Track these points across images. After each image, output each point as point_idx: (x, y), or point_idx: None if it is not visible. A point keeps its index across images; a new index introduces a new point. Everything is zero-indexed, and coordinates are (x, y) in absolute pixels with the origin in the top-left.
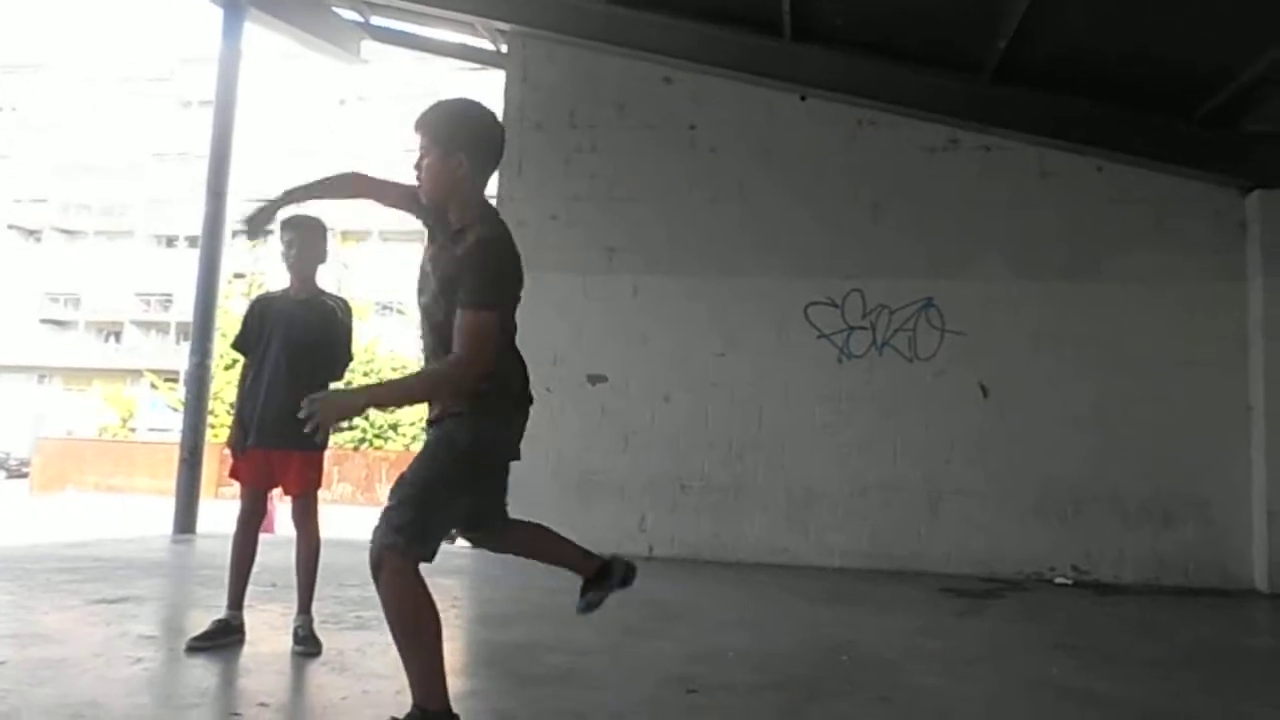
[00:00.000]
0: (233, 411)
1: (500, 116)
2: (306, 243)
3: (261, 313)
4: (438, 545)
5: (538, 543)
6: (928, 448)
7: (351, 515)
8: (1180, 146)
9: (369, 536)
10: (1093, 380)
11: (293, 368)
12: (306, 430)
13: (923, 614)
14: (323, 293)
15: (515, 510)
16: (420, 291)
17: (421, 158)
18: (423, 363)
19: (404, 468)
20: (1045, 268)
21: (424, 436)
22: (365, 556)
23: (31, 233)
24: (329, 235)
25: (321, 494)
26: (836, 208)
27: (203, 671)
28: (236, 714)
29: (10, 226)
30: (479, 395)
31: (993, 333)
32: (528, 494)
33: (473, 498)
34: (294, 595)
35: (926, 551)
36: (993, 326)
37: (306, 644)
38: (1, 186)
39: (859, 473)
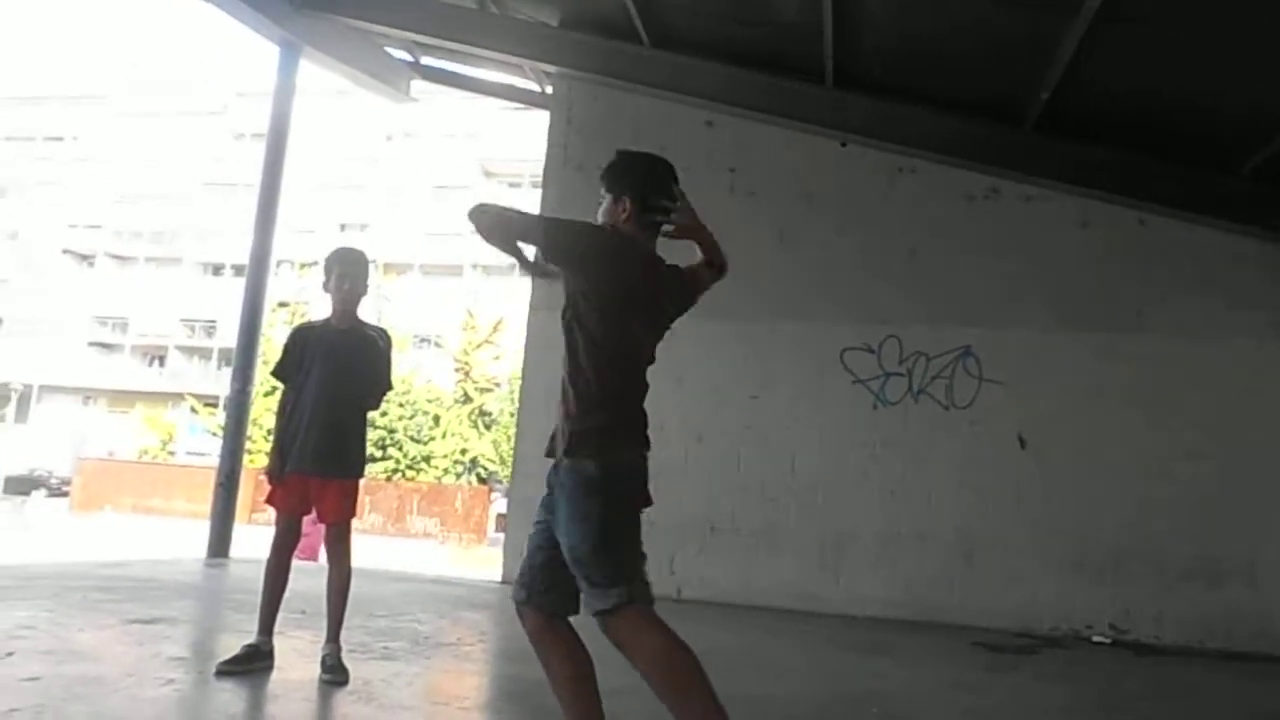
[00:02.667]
0: (272, 438)
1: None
2: (350, 275)
3: (303, 342)
4: (646, 581)
5: (573, 678)
6: (963, 497)
7: (382, 546)
8: (1227, 201)
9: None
10: (1134, 434)
11: (332, 396)
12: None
13: (955, 667)
14: (363, 323)
15: None
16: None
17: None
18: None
19: (434, 500)
20: (1086, 318)
21: (552, 481)
22: (395, 587)
23: (85, 257)
24: (371, 268)
25: (353, 524)
26: (875, 254)
27: (231, 696)
28: None
29: (65, 251)
30: (603, 427)
31: (1031, 383)
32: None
33: (637, 525)
34: (324, 623)
35: (960, 603)
36: (1031, 377)
37: (334, 672)
38: (59, 213)
39: (892, 521)
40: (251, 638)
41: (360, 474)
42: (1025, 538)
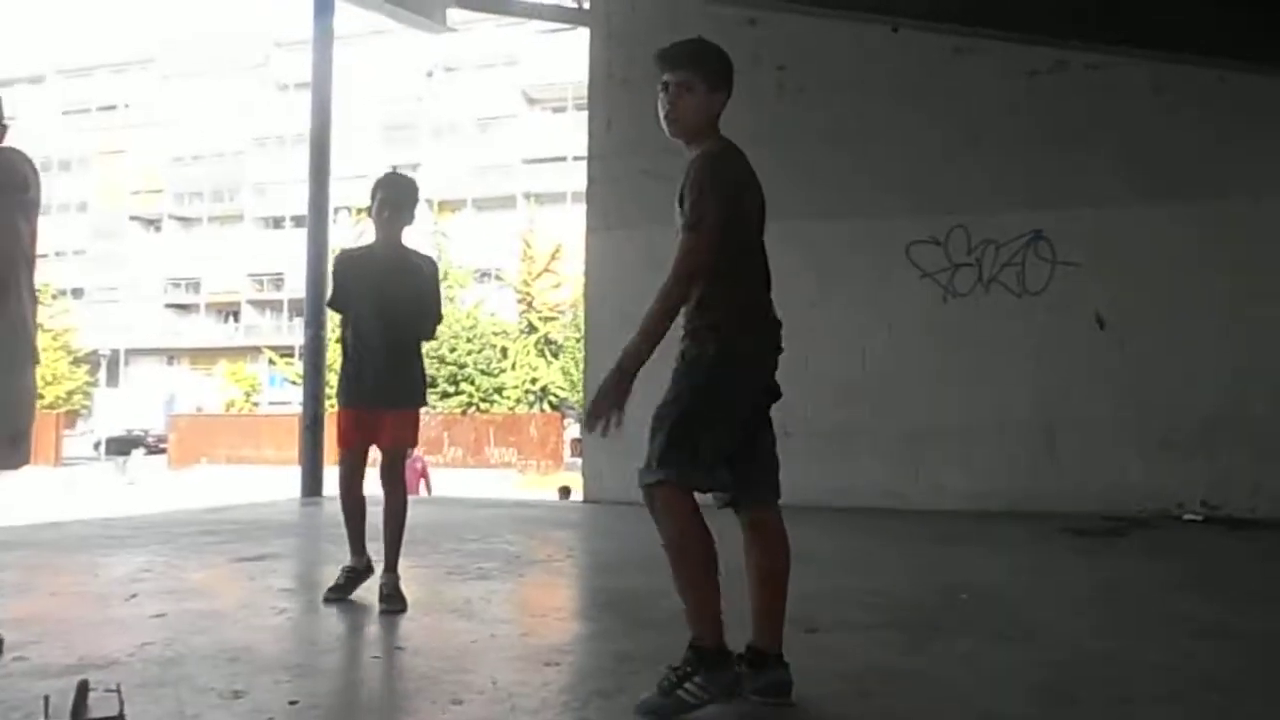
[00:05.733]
0: (340, 371)
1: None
2: (391, 203)
3: (348, 269)
4: (708, 472)
5: (767, 574)
6: (1042, 384)
7: (463, 477)
8: None
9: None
10: (1220, 306)
11: (386, 328)
12: (601, 434)
13: (1043, 553)
14: (409, 251)
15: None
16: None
17: (684, 90)
18: None
19: (510, 430)
20: (1163, 189)
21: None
22: (483, 513)
23: (151, 222)
24: (418, 195)
25: (434, 458)
26: (935, 142)
27: (339, 620)
28: (376, 656)
29: (132, 218)
30: (716, 317)
31: (1108, 262)
32: (637, 435)
33: (733, 428)
34: (421, 550)
35: (1044, 490)
36: (1108, 255)
37: (390, 602)
38: (121, 180)
39: (969, 412)
40: (350, 563)
41: (421, 403)
42: (1109, 420)
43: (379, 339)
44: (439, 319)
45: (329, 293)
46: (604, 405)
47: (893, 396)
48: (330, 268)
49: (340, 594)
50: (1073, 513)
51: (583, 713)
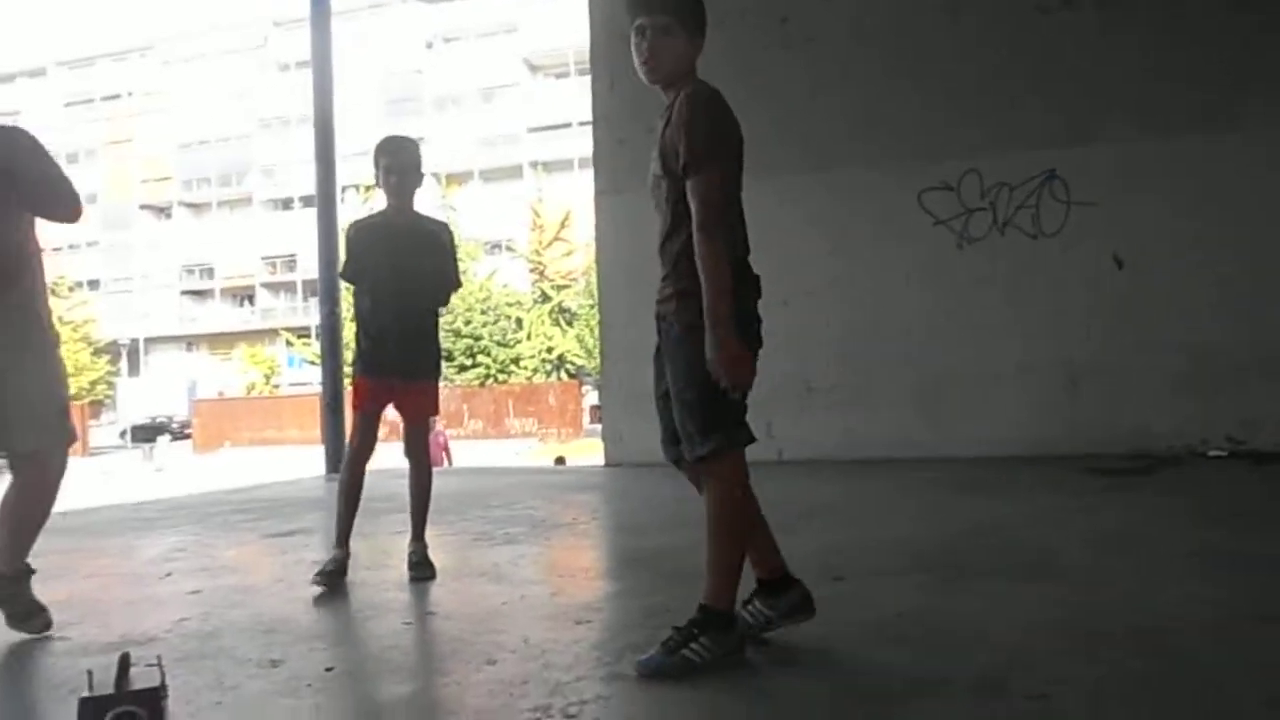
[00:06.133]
0: (355, 342)
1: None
2: (397, 168)
3: (364, 239)
4: (746, 429)
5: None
6: (1062, 326)
7: (484, 448)
8: None
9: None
10: (1240, 239)
11: (403, 296)
12: (733, 395)
13: (1068, 495)
14: (421, 216)
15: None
16: (651, 190)
17: (661, 33)
18: (659, 252)
19: (528, 400)
20: (1179, 123)
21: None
22: (506, 480)
23: (161, 210)
24: (422, 155)
25: (454, 430)
26: (944, 86)
27: (372, 589)
28: (408, 622)
29: (142, 207)
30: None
31: (1124, 199)
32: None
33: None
34: (448, 518)
35: (1067, 433)
36: (1124, 193)
37: (419, 569)
38: (129, 169)
39: (988, 359)
40: (341, 549)
41: (437, 375)
42: (1130, 360)
43: (395, 307)
44: (457, 284)
45: (344, 264)
46: (738, 376)
47: (911, 345)
48: (342, 242)
49: (330, 580)
50: (1097, 454)
51: (615, 667)
